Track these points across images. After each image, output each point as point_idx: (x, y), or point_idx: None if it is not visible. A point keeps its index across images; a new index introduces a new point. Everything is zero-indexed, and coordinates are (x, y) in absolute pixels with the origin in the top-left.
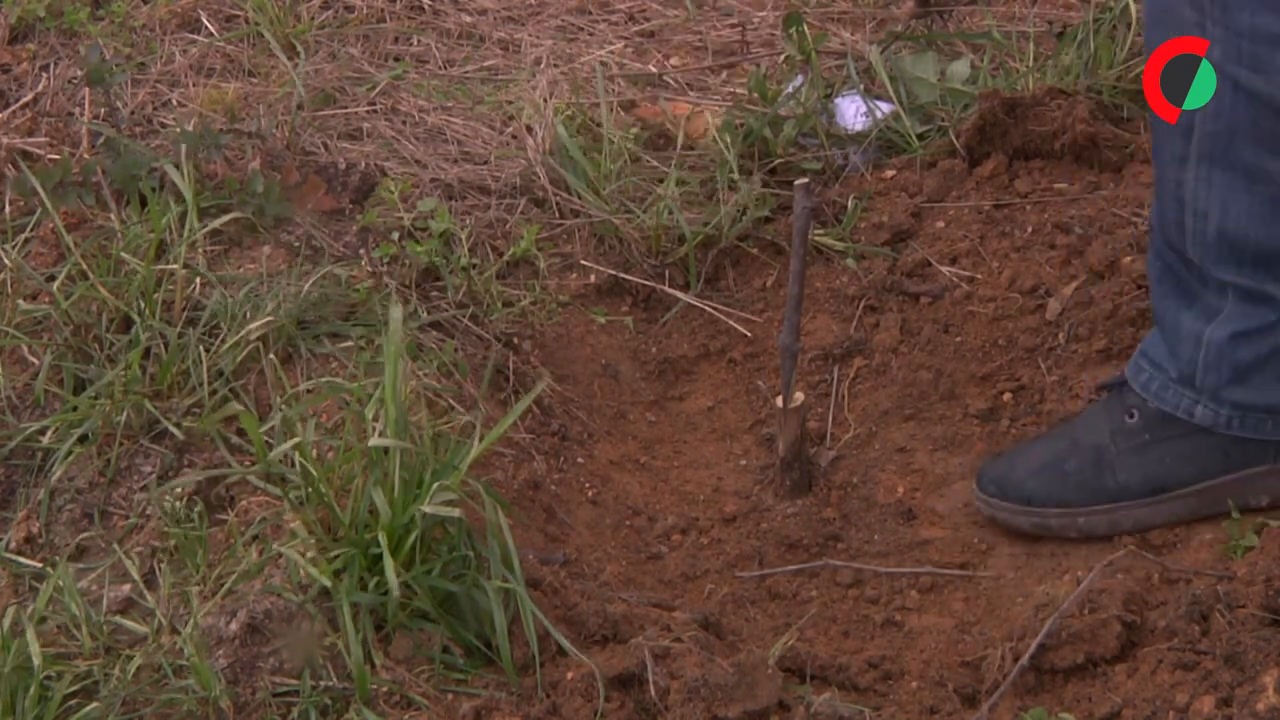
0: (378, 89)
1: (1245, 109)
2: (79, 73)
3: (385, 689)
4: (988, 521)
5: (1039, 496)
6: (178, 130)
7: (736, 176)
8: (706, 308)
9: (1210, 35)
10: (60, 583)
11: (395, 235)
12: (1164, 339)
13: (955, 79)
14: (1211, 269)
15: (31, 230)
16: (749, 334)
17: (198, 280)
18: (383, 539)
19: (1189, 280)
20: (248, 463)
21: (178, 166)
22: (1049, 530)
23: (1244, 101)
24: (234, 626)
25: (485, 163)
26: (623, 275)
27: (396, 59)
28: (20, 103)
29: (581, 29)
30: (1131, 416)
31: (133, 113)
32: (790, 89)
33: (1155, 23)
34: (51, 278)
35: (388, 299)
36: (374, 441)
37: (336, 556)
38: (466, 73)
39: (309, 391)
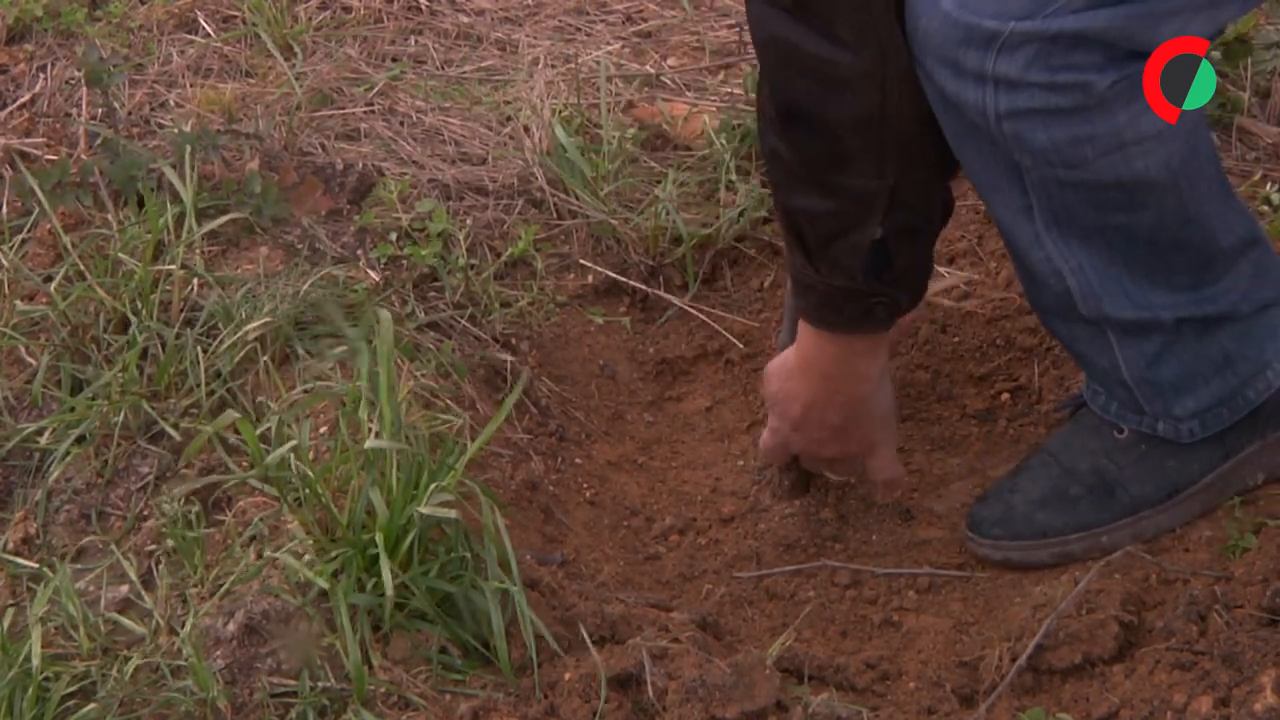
0: (375, 89)
1: (1073, 194)
2: (76, 73)
3: (383, 690)
4: (999, 565)
5: (1055, 527)
6: (175, 131)
7: (734, 177)
8: (700, 314)
9: (1022, 162)
10: (58, 584)
11: (393, 236)
12: (1097, 383)
13: None
14: (1112, 313)
15: (29, 231)
16: (746, 335)
17: (195, 281)
18: (380, 540)
19: (1078, 337)
20: (245, 464)
21: (175, 167)
22: (1071, 556)
23: (1070, 190)
24: (232, 627)
25: (483, 163)
26: (620, 277)
27: (394, 59)
28: (18, 103)
29: (579, 29)
30: (1121, 432)
31: (130, 113)
32: None
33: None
34: (49, 278)
35: (387, 301)
36: (370, 444)
37: (334, 557)
38: (464, 73)
39: (305, 393)
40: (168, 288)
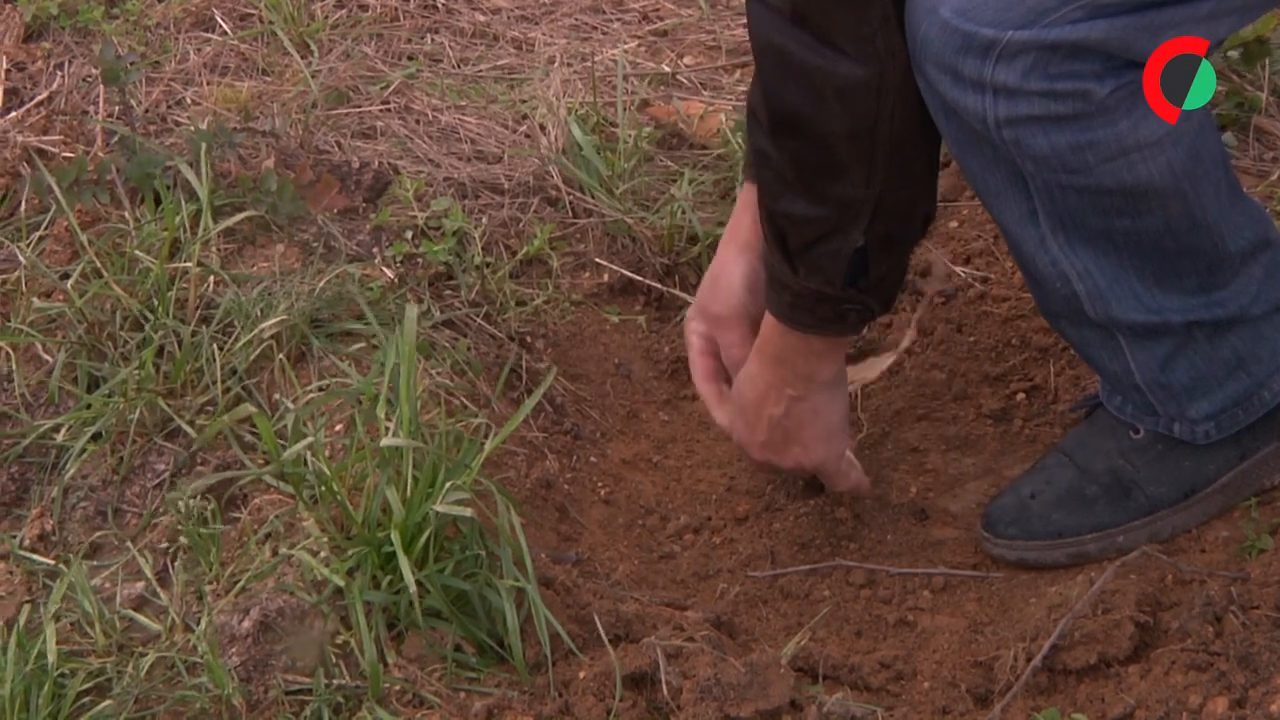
0: (391, 88)
1: (1077, 199)
2: (93, 71)
3: (398, 687)
4: (1014, 565)
5: (1070, 527)
6: (192, 129)
7: None
8: None
9: (1024, 168)
10: (73, 580)
11: (409, 234)
12: (1110, 385)
13: None
14: (1121, 316)
15: (46, 228)
16: None
17: (211, 278)
18: (396, 538)
19: (1088, 341)
20: (261, 461)
21: (192, 165)
22: (1087, 557)
23: (1073, 195)
24: (247, 624)
25: (499, 162)
26: (635, 276)
27: (410, 58)
28: (35, 101)
29: (595, 28)
30: (1137, 433)
31: (147, 111)
32: None
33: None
34: (66, 275)
35: (402, 298)
36: (386, 441)
37: (350, 555)
38: (480, 71)
39: (321, 390)
40: (184, 285)
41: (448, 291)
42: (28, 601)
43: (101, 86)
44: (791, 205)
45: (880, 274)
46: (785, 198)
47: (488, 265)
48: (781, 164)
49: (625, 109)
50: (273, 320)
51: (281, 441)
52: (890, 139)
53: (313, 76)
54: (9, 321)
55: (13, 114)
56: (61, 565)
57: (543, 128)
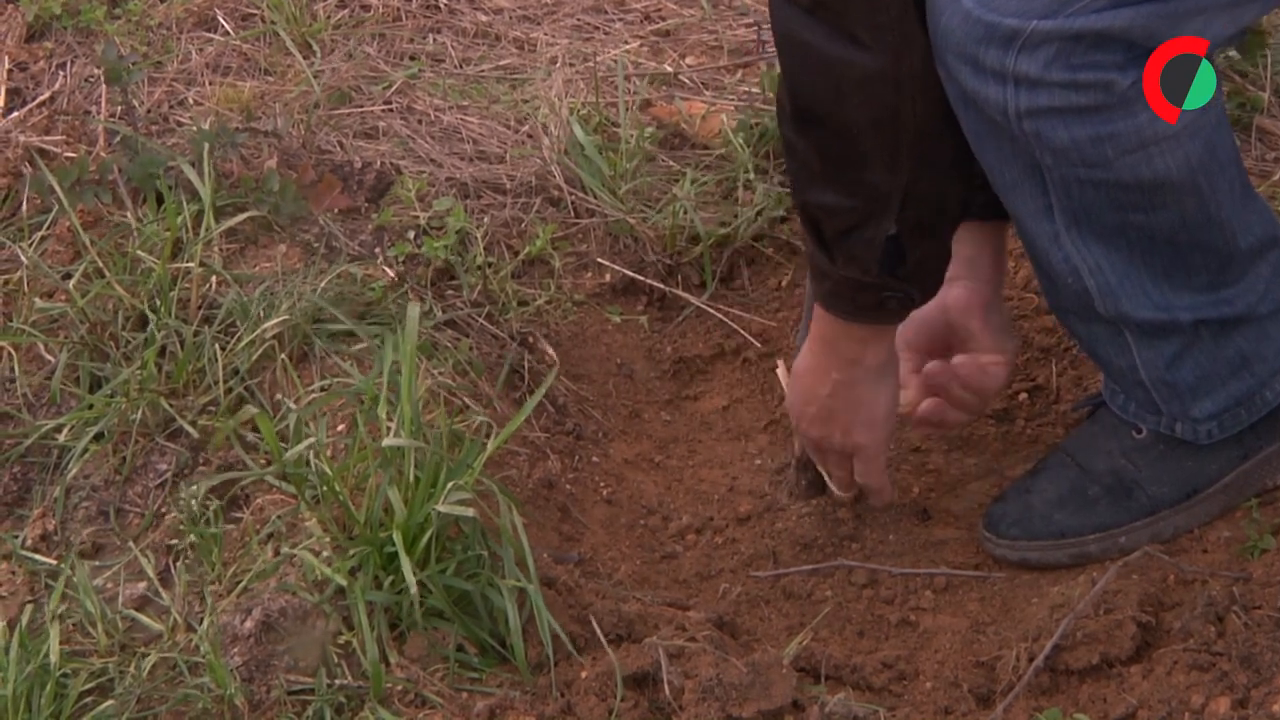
0: (393, 88)
1: (1094, 193)
2: (96, 71)
3: (400, 687)
4: (1016, 565)
5: (1073, 527)
6: (194, 129)
7: (752, 176)
8: (718, 313)
9: (1042, 160)
10: (75, 580)
11: (411, 234)
12: (1115, 383)
13: None
14: (1131, 313)
15: (48, 228)
16: (764, 334)
17: (213, 279)
18: (398, 538)
19: (1096, 336)
20: (263, 461)
21: (194, 165)
22: (1089, 557)
23: (1090, 189)
24: (249, 624)
25: (501, 162)
26: (637, 276)
27: (412, 58)
28: (37, 101)
29: (597, 28)
30: (1139, 432)
31: (149, 111)
32: None
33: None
34: (68, 275)
35: (403, 298)
36: (388, 441)
37: (352, 555)
38: (482, 72)
39: (323, 390)
40: (186, 285)
41: (450, 291)
42: (30, 601)
43: (104, 86)
44: (821, 195)
45: (917, 260)
46: (815, 188)
47: (490, 265)
48: (808, 154)
49: (627, 109)
50: (275, 320)
51: (283, 442)
52: (913, 129)
53: (315, 76)
54: (11, 321)
55: (15, 114)
56: (63, 565)
57: (545, 128)
